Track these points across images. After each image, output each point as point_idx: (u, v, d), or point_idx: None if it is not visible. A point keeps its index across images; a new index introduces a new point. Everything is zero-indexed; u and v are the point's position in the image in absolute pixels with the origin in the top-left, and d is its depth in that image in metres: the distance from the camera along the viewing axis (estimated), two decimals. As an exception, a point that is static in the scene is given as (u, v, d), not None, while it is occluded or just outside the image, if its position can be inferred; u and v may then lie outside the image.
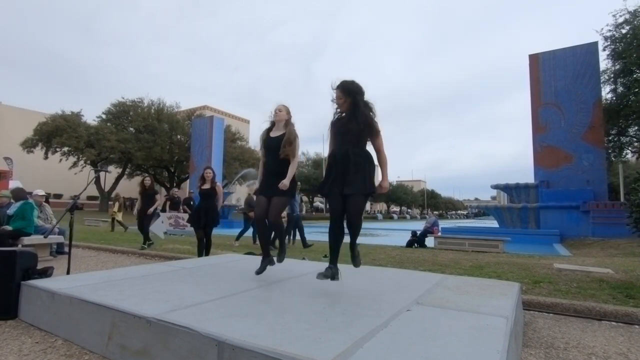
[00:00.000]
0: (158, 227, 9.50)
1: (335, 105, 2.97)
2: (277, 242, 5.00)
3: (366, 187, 2.80)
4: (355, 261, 3.08)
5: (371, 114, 2.90)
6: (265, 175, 3.39)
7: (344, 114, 2.94)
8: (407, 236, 11.08)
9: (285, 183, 3.14)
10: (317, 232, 13.83)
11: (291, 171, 3.23)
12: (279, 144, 3.25)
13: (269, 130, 3.44)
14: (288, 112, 3.42)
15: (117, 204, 13.95)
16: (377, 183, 2.91)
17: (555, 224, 13.77)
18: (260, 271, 3.33)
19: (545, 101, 15.26)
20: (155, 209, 7.85)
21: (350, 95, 2.85)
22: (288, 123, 3.38)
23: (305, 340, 1.75)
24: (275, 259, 3.48)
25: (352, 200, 2.79)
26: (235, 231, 17.00)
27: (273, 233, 4.32)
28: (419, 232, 10.79)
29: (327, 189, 2.89)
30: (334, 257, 2.94)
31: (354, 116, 2.83)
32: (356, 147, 2.84)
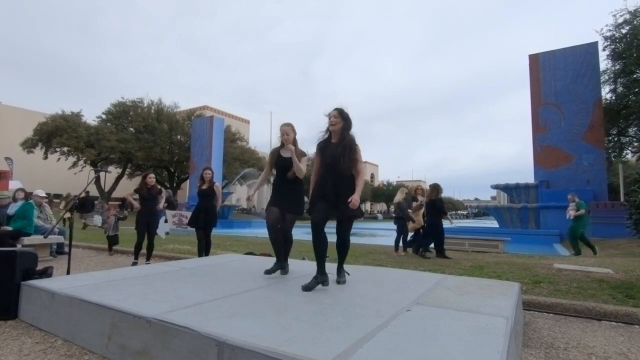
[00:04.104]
0: (160, 227, 9.46)
1: (327, 125, 3.20)
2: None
3: (356, 213, 3.10)
4: (341, 278, 3.26)
5: (356, 146, 3.14)
6: (274, 191, 3.64)
7: (332, 141, 3.18)
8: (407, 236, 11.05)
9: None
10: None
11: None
12: (288, 164, 3.50)
13: (279, 149, 3.65)
14: (293, 130, 3.62)
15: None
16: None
17: (555, 224, 13.76)
18: (269, 272, 3.51)
19: (545, 101, 15.27)
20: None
21: (344, 121, 3.13)
22: (295, 142, 3.60)
23: (305, 340, 1.75)
24: (287, 267, 3.73)
25: (344, 224, 3.14)
26: (236, 231, 17.01)
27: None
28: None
29: (315, 206, 3.11)
30: (321, 265, 3.08)
31: (343, 146, 3.08)
32: (345, 174, 3.08)
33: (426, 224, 7.33)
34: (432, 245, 7.39)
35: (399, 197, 7.78)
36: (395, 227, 7.83)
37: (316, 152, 3.28)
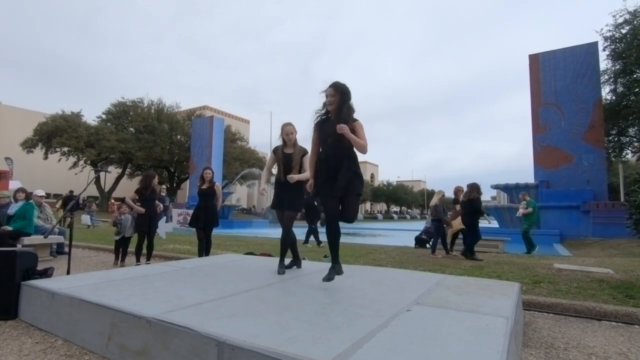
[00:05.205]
0: (160, 227, 9.44)
1: (323, 103, 3.08)
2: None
3: (359, 188, 3.01)
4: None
5: (352, 113, 3.02)
6: (276, 188, 3.77)
7: (330, 116, 3.06)
8: (408, 236, 11.07)
9: (292, 177, 3.55)
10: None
11: (303, 176, 3.60)
12: (291, 161, 3.68)
13: (282, 147, 3.78)
14: (295, 130, 3.78)
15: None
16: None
17: (555, 224, 13.77)
18: (282, 272, 3.63)
19: (546, 101, 15.27)
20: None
21: (341, 95, 2.97)
22: (296, 140, 3.77)
23: (305, 340, 1.75)
24: (290, 265, 3.92)
25: (349, 201, 3.00)
26: (236, 231, 17.00)
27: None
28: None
29: (321, 191, 3.03)
30: (335, 256, 3.10)
31: (339, 118, 2.94)
32: (345, 149, 2.97)
33: (465, 225, 7.16)
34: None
35: (435, 199, 7.75)
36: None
37: (313, 131, 3.14)
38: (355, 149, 3.00)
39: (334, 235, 3.05)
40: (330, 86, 2.99)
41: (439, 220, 7.54)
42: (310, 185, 3.17)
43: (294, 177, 3.54)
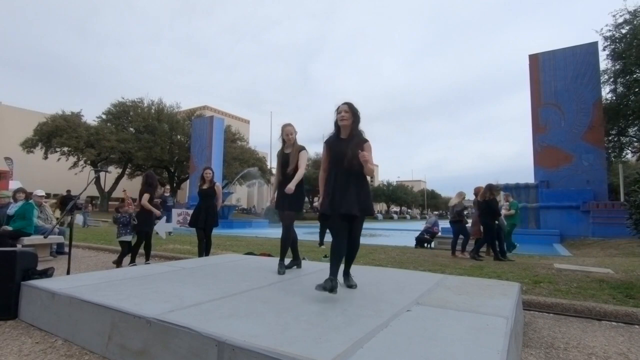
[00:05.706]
0: (161, 227, 9.44)
1: (335, 122, 3.12)
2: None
3: (369, 210, 3.01)
4: (351, 282, 3.11)
5: (367, 142, 3.06)
6: (278, 189, 3.86)
7: (341, 136, 3.09)
8: (407, 236, 11.06)
9: (290, 187, 3.53)
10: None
11: (296, 178, 3.63)
12: (289, 159, 3.76)
13: (282, 147, 3.89)
14: (295, 130, 3.88)
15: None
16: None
17: (555, 224, 13.76)
18: (283, 272, 3.67)
19: (545, 101, 15.26)
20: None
21: (354, 116, 3.05)
22: (295, 140, 3.87)
23: (305, 340, 1.75)
24: (290, 265, 3.97)
25: (355, 222, 3.02)
26: (236, 231, 16.99)
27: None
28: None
29: (330, 209, 2.97)
30: (335, 270, 2.87)
31: (354, 143, 2.96)
32: (354, 169, 2.97)
33: (482, 226, 7.12)
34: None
35: (455, 200, 7.70)
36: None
37: (324, 148, 3.20)
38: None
39: (340, 251, 2.92)
40: (345, 103, 3.08)
41: (460, 222, 7.51)
42: (320, 203, 3.15)
43: (291, 187, 3.52)
